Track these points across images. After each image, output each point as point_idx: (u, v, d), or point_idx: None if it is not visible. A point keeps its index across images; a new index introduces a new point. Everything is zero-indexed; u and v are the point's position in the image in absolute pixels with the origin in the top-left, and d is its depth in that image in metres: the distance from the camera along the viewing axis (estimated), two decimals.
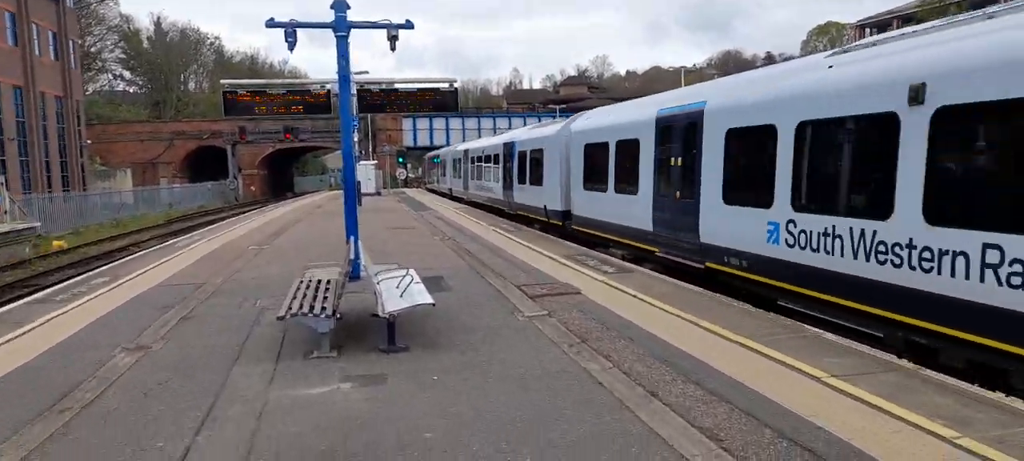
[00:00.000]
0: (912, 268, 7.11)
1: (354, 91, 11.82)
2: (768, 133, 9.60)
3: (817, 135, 8.87)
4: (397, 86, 12.74)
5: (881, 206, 7.53)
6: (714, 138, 11.14)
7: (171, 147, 64.17)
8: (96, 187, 49.88)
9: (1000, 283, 6.11)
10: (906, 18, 67.81)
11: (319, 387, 6.27)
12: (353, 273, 11.71)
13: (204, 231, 23.49)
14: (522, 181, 23.44)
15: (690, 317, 8.48)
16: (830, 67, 8.92)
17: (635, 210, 13.95)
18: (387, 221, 23.95)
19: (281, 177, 78.20)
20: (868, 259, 7.75)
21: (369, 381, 6.40)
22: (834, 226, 8.35)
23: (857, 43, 9.46)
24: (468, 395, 5.96)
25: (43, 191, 40.17)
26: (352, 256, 12.28)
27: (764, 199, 9.68)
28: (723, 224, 10.88)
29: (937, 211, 6.85)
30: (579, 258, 13.62)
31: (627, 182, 14.49)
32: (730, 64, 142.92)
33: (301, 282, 8.97)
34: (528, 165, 22.53)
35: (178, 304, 10.15)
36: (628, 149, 14.48)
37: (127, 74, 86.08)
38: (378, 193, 46.39)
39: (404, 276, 8.26)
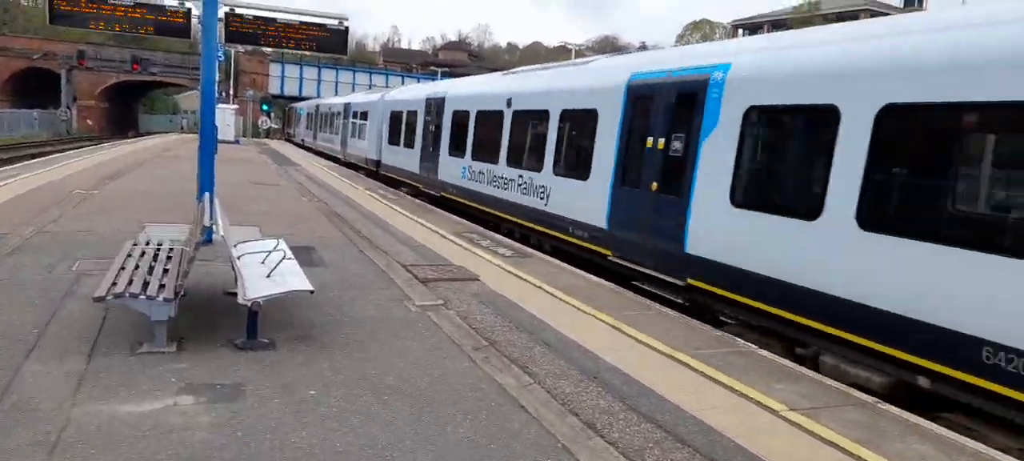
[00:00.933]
0: None
1: (222, 14, 9.77)
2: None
3: None
4: (277, 16, 10.78)
5: None
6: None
7: None
8: None
9: None
10: (775, 23, 71.65)
11: (148, 402, 4.58)
12: (206, 237, 9.77)
13: (21, 166, 19.92)
14: (393, 142, 23.32)
15: (609, 320, 7.45)
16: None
17: (585, 202, 11.09)
18: (248, 174, 21.44)
19: (125, 113, 70.53)
20: None
21: (221, 395, 4.78)
22: None
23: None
24: (359, 424, 4.53)
25: None
26: (206, 217, 10.30)
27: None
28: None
29: None
30: (469, 237, 12.33)
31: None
32: (608, 48, 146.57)
33: (135, 245, 7.07)
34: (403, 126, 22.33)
35: None
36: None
37: None
38: (236, 141, 42.54)
39: (273, 250, 6.60)
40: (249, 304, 5.47)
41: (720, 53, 9.02)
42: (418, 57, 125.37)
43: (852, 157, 6.65)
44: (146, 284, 5.55)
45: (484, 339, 6.52)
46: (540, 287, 8.73)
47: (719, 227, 8.26)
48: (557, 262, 10.59)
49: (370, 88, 63.50)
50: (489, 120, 14.96)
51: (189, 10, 10.41)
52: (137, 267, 6.05)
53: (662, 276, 9.15)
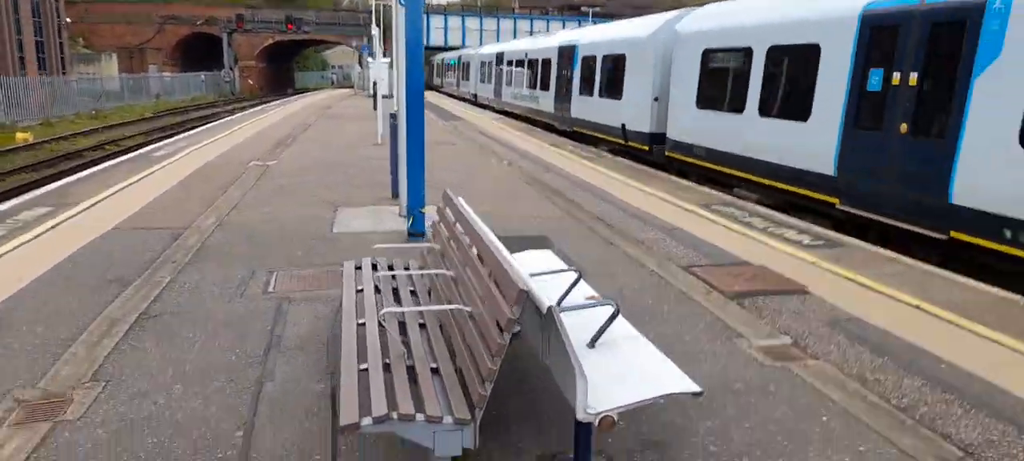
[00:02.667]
0: None
1: None
2: None
3: None
4: None
5: None
6: None
7: (162, 32, 58.64)
8: (77, 72, 44.91)
9: None
10: None
11: None
12: (413, 226, 7.63)
13: (194, 134, 19.15)
14: (586, 92, 19.34)
15: None
16: None
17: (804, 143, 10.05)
18: None
19: (280, 71, 72.67)
20: None
21: None
22: None
23: None
24: None
25: (14, 74, 35.40)
26: (406, 201, 8.18)
27: None
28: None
29: None
30: (726, 211, 9.51)
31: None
32: None
33: (357, 269, 4.87)
34: (598, 74, 18.45)
35: (137, 278, 6.07)
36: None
37: None
38: (390, 94, 41.68)
39: (592, 303, 4.03)
40: (594, 420, 3.00)
41: None
42: (555, 1, 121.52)
43: None
44: (414, 382, 3.21)
45: (913, 419, 3.82)
46: (917, 306, 5.81)
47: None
48: (882, 251, 7.57)
49: (513, 35, 61.31)
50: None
51: None
52: (382, 337, 3.74)
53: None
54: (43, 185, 12.80)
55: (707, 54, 12.92)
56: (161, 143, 16.67)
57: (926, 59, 8.14)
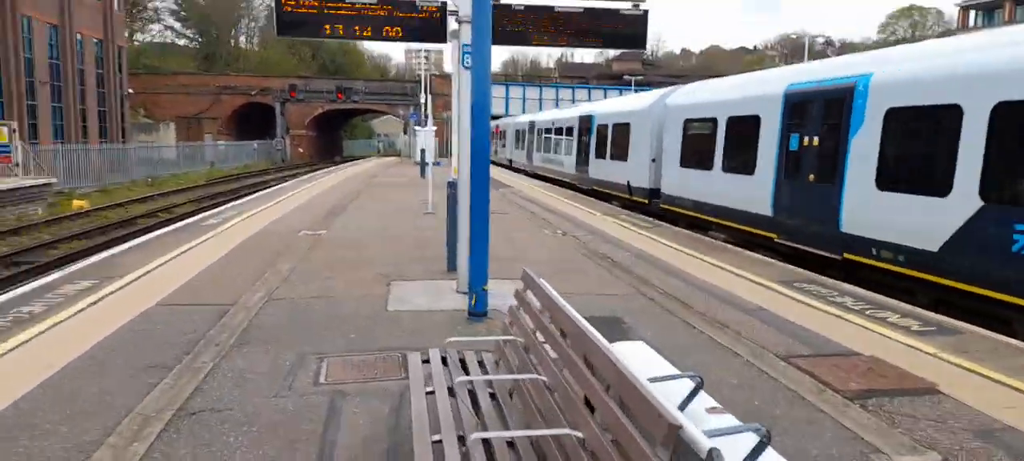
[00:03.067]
0: None
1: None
2: None
3: None
4: (555, 5, 7.92)
5: None
6: None
7: (218, 102, 60.48)
8: (137, 140, 46.36)
9: None
10: (1017, 0, 60.32)
11: None
12: (475, 306, 6.97)
13: (245, 202, 19.07)
14: (600, 155, 22.58)
15: None
16: None
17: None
18: None
19: (329, 140, 74.27)
20: None
21: None
22: None
23: None
24: None
25: (77, 141, 36.56)
26: (467, 276, 7.59)
27: None
28: None
29: None
30: (811, 289, 8.65)
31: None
32: (788, 47, 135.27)
33: (424, 362, 4.21)
34: (609, 139, 21.68)
35: (177, 364, 5.52)
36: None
37: (177, 25, 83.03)
38: (437, 163, 41.78)
39: (737, 428, 3.28)
40: None
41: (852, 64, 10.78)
42: (593, 70, 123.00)
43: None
44: None
45: None
46: None
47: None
48: (1007, 339, 6.62)
49: (556, 103, 61.73)
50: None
51: (444, 5, 7.81)
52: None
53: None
54: (93, 253, 12.60)
55: (687, 123, 15.66)
56: (213, 211, 16.52)
57: (822, 125, 10.79)
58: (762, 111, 12.33)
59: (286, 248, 11.04)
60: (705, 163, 14.35)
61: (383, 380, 5.24)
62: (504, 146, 45.09)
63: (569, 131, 26.86)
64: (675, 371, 3.83)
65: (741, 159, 12.99)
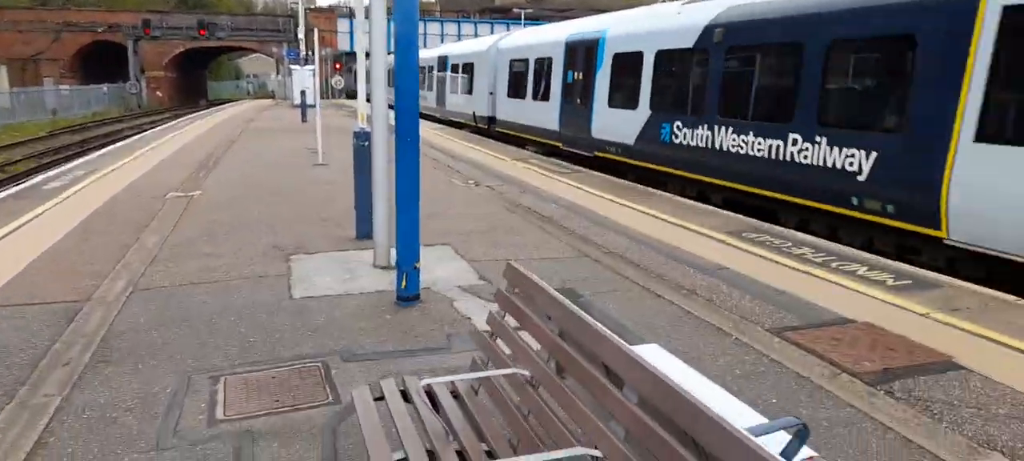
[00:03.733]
0: None
1: None
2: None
3: None
4: None
5: None
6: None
7: (59, 41, 53.71)
8: None
9: None
10: None
11: None
12: (406, 289, 5.72)
13: (97, 157, 16.47)
14: (453, 91, 26.32)
15: None
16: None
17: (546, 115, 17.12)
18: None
19: (192, 82, 68.09)
20: None
21: None
22: None
23: None
24: None
25: None
26: (387, 250, 6.37)
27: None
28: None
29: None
30: (762, 240, 7.99)
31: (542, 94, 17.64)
32: None
33: (377, 399, 2.97)
34: (459, 77, 25.41)
35: (5, 404, 3.97)
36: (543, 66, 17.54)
37: None
38: (315, 104, 39.00)
39: None
40: None
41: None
42: (476, 4, 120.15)
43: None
44: None
45: None
46: None
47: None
48: (993, 292, 6.15)
49: (440, 39, 59.41)
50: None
51: None
52: None
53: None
54: None
55: (512, 63, 19.71)
56: (56, 171, 14.00)
57: (584, 65, 15.15)
58: (553, 54, 16.70)
59: (152, 216, 9.21)
60: (522, 94, 18.87)
61: (304, 407, 3.96)
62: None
63: (430, 70, 30.01)
64: (714, 386, 2.85)
65: (542, 90, 17.41)
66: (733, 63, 10.52)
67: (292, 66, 44.27)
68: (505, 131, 20.41)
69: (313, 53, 41.91)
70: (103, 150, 18.39)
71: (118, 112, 47.52)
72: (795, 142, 9.08)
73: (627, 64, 13.18)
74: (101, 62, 56.75)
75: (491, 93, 21.49)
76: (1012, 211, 6.49)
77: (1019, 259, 6.56)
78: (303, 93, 28.80)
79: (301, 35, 31.88)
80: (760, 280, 6.41)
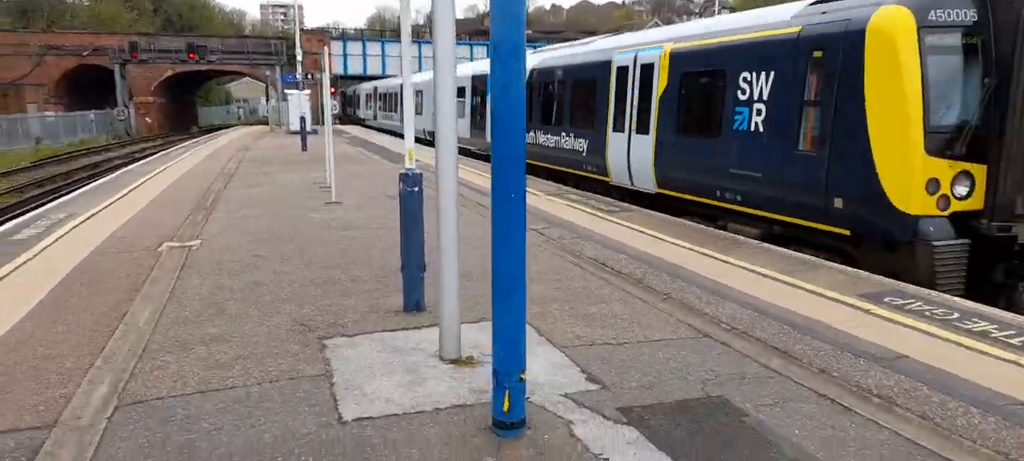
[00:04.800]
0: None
1: None
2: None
3: None
4: None
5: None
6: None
7: (41, 65, 51.83)
8: None
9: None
10: None
11: None
12: (509, 412, 4.03)
13: (80, 195, 14.74)
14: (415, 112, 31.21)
15: None
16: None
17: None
18: (371, 184, 15.91)
19: (182, 107, 66.20)
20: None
21: None
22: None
23: None
24: None
25: None
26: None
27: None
28: None
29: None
30: (908, 306, 6.37)
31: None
32: (654, 2, 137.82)
33: None
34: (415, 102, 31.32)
35: None
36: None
37: None
38: (313, 131, 37.16)
39: None
40: None
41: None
42: (466, 26, 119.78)
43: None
44: None
45: None
46: None
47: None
48: None
49: (421, 61, 58.14)
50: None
51: None
52: None
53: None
54: None
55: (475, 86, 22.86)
56: (32, 214, 12.26)
57: (475, 96, 22.20)
58: (466, 84, 22.01)
59: (142, 276, 7.51)
60: (461, 115, 23.58)
61: None
62: (359, 107, 54.60)
63: (378, 95, 38.76)
64: None
65: (462, 111, 22.20)
66: (537, 92, 16.88)
67: (287, 91, 42.69)
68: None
69: (312, 76, 40.45)
70: (87, 186, 16.61)
71: (106, 140, 45.66)
72: (561, 136, 15.68)
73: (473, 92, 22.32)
74: (88, 87, 54.95)
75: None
76: (625, 166, 12.89)
77: (636, 188, 12.76)
78: (303, 119, 27.15)
79: (299, 57, 30.25)
80: (966, 378, 4.78)
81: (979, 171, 7.51)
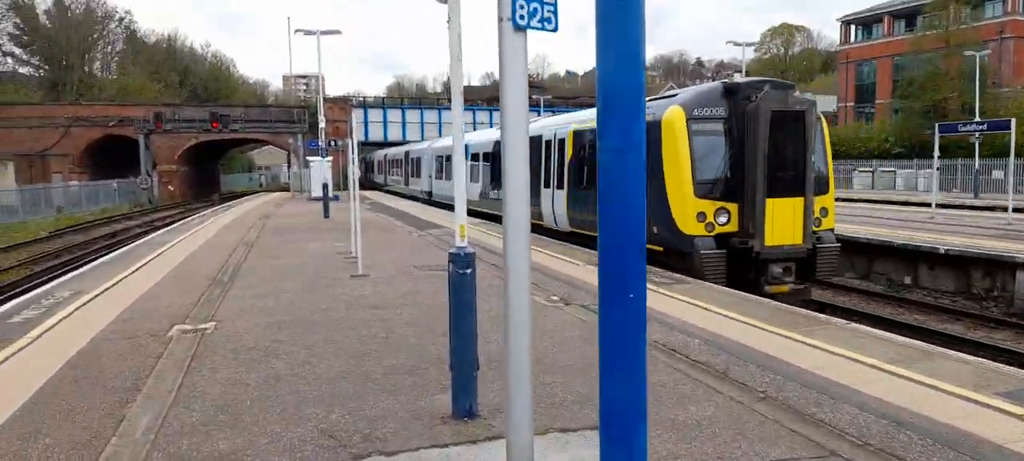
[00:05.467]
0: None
1: None
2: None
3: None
4: None
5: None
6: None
7: (68, 136, 52.27)
8: None
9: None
10: (894, 14, 62.80)
11: None
12: None
13: (92, 268, 13.95)
14: (413, 174, 39.56)
15: None
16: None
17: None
18: (401, 256, 15.00)
19: (204, 175, 66.53)
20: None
21: None
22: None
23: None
24: None
25: None
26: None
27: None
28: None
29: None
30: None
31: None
32: (667, 67, 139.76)
33: None
34: (413, 165, 40.16)
35: None
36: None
37: (19, 51, 72.47)
38: (335, 197, 36.64)
39: None
40: None
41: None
42: (484, 92, 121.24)
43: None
44: None
45: None
46: None
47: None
48: None
49: (439, 128, 58.43)
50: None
51: None
52: None
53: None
54: None
55: (431, 158, 33.07)
56: (35, 293, 11.41)
57: (410, 162, 40.68)
58: (423, 155, 33.77)
59: (147, 368, 6.53)
60: (434, 175, 32.38)
61: None
62: (374, 172, 58.02)
63: (400, 161, 44.22)
64: None
65: (437, 173, 30.63)
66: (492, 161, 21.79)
67: (309, 158, 42.47)
68: (435, 201, 32.47)
69: (334, 143, 40.20)
70: (100, 260, 15.83)
71: (128, 208, 45.54)
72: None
73: (422, 160, 33.48)
74: (111, 156, 55.32)
75: (429, 176, 34.36)
76: (551, 212, 16.94)
77: (557, 229, 16.69)
78: (325, 186, 26.53)
79: (322, 123, 29.87)
80: None
81: (734, 207, 11.47)
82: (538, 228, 17.11)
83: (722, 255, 11.27)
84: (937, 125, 22.13)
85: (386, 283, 10.95)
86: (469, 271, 5.05)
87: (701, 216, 11.43)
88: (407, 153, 43.83)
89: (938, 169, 23.39)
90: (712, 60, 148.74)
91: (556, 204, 16.80)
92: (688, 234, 11.44)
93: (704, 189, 11.48)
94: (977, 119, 31.11)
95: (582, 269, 11.99)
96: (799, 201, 11.19)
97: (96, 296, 10.33)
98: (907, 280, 15.43)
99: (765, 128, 10.86)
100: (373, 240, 15.81)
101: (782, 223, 11.16)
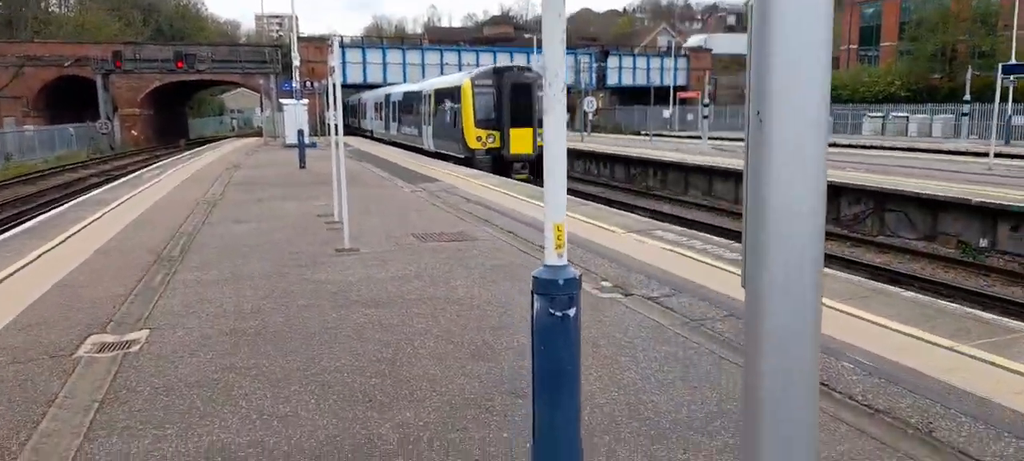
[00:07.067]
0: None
1: None
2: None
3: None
4: None
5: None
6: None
7: (20, 77, 48.43)
8: None
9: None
10: None
11: None
12: None
13: (34, 226, 11.36)
14: (377, 118, 45.50)
15: None
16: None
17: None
18: (398, 221, 12.57)
19: (171, 119, 62.52)
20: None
21: None
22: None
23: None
24: None
25: None
26: None
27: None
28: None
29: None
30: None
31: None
32: (653, 9, 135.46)
33: None
34: (379, 109, 45.32)
35: None
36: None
37: None
38: (313, 144, 33.65)
39: None
40: None
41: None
42: (463, 34, 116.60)
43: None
44: None
45: None
46: None
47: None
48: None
49: (422, 69, 55.50)
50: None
51: None
52: None
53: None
54: None
55: (387, 102, 40.02)
56: None
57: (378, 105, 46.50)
58: (369, 100, 46.53)
59: (30, 425, 4.14)
60: (388, 119, 39.43)
61: None
62: (364, 118, 53.82)
63: (378, 105, 44.69)
64: None
65: (401, 118, 35.83)
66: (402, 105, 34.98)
67: (283, 101, 39.32)
68: (386, 140, 39.22)
69: (310, 84, 37.03)
70: (23, 225, 13.11)
71: (86, 155, 42.21)
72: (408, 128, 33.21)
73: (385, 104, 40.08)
74: (71, 100, 51.56)
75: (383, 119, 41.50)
76: (429, 140, 29.99)
77: (432, 150, 28.83)
78: (300, 132, 23.75)
79: (296, 62, 26.92)
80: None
81: (496, 133, 23.20)
82: (418, 150, 29.95)
83: (490, 159, 22.69)
84: (1001, 66, 19.87)
85: (381, 262, 8.55)
86: (570, 314, 2.69)
87: (478, 139, 23.12)
88: (395, 94, 41.16)
89: (1008, 116, 22.22)
90: (700, 3, 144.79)
91: (426, 135, 29.78)
92: (472, 147, 23.22)
93: (481, 124, 23.14)
94: None
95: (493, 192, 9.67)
96: (529, 130, 22.70)
97: (36, 259, 7.86)
98: (982, 243, 13.35)
99: (509, 91, 22.75)
100: (359, 198, 13.28)
101: (520, 142, 22.75)
